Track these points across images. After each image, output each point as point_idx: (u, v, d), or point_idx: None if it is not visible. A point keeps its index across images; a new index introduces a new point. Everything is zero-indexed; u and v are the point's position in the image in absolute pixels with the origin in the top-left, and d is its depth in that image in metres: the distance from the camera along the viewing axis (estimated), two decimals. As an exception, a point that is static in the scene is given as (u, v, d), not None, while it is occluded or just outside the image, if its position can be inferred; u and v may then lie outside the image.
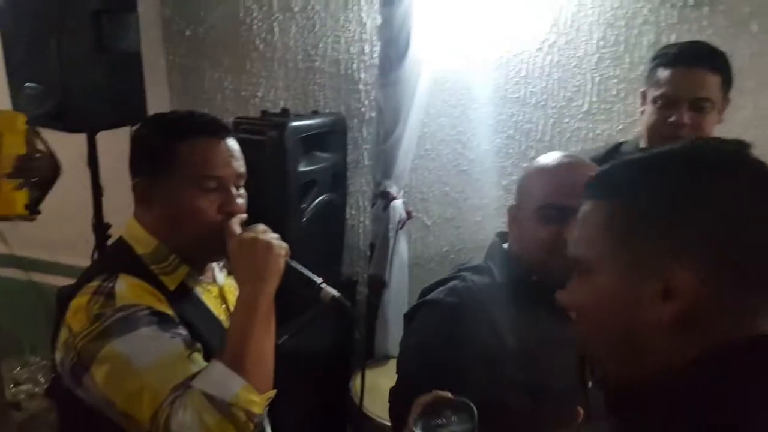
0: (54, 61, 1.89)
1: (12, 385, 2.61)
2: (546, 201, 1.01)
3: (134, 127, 1.11)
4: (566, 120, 2.02)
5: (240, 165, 1.06)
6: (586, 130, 2.00)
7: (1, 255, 2.46)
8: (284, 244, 1.01)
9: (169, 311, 0.97)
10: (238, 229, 1.00)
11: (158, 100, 2.19)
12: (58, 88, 1.91)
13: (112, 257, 1.08)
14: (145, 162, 1.04)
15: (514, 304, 1.03)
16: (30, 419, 2.47)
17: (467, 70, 2.06)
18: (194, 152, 1.02)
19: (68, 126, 1.96)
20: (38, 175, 1.80)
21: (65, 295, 0.97)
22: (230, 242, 0.99)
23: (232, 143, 1.06)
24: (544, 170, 1.06)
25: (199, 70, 2.32)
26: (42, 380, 2.66)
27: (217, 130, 1.05)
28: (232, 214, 1.03)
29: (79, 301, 0.94)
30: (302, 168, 1.88)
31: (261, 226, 1.02)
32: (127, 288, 0.95)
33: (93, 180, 2.16)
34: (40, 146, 1.81)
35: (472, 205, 2.14)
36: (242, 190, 1.08)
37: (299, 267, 1.04)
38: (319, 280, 1.04)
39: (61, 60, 1.89)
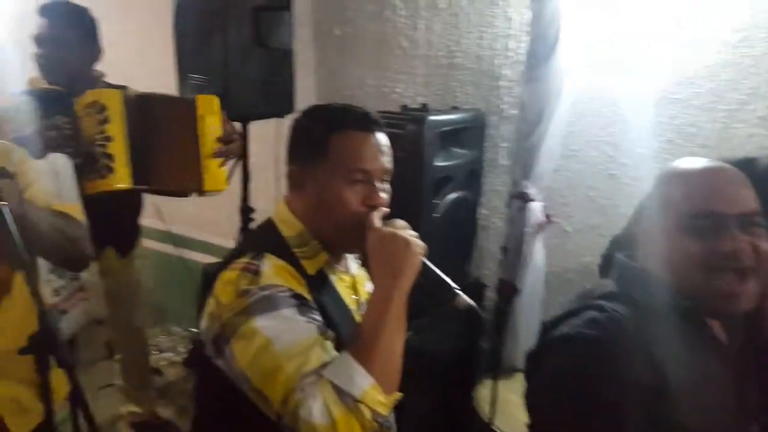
0: (218, 53, 2.05)
1: (155, 352, 2.87)
2: (698, 209, 0.88)
3: (294, 117, 1.15)
4: (737, 125, 1.79)
5: (387, 160, 1.07)
6: (760, 137, 1.75)
7: (158, 231, 2.72)
8: (422, 243, 0.99)
9: (307, 295, 0.99)
10: (378, 223, 1.00)
11: (305, 95, 2.30)
12: (220, 79, 2.07)
13: (260, 236, 1.12)
14: (300, 150, 1.08)
15: (666, 336, 0.89)
16: (169, 385, 2.69)
17: (622, 67, 1.90)
18: (345, 144, 1.04)
19: (228, 115, 2.11)
20: (233, 153, 1.94)
21: (212, 271, 1.03)
22: (370, 235, 0.99)
23: (383, 138, 1.08)
24: (691, 174, 0.93)
25: (343, 68, 2.40)
26: (182, 350, 2.89)
27: (369, 124, 1.07)
28: (374, 207, 1.03)
29: (229, 275, 0.98)
30: (438, 163, 1.85)
31: (401, 222, 1.02)
32: (272, 268, 0.98)
33: (243, 167, 2.31)
34: (230, 127, 1.94)
35: (621, 213, 1.93)
36: (387, 186, 1.08)
37: (435, 269, 1.01)
38: (454, 285, 1.00)
39: (224, 53, 2.04)
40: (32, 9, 1.93)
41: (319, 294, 1.03)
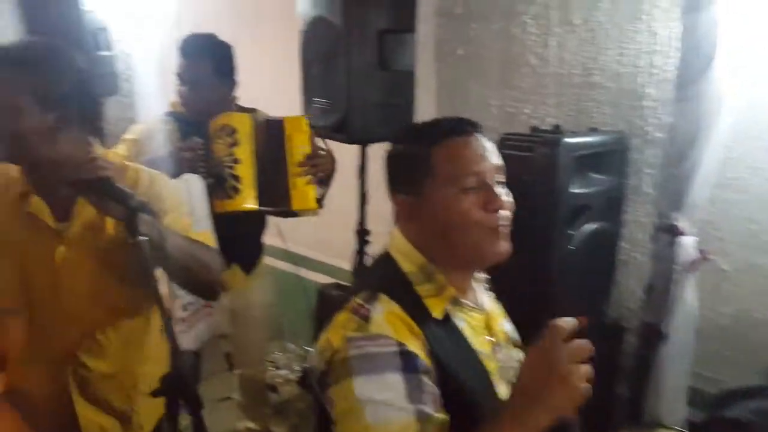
0: (342, 77, 2.06)
1: (271, 368, 2.92)
2: None
3: (387, 148, 1.10)
4: None
5: (495, 157, 1.00)
6: None
7: (277, 249, 2.77)
8: (585, 389, 0.82)
9: (421, 349, 0.90)
10: (560, 336, 0.82)
11: (425, 117, 2.24)
12: (343, 102, 2.08)
13: (378, 273, 1.06)
14: (404, 176, 1.03)
15: None
16: (284, 403, 2.72)
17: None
18: (447, 153, 0.98)
19: (349, 138, 2.12)
20: (323, 170, 1.96)
21: (328, 294, 1.00)
22: (546, 342, 0.83)
23: (483, 139, 1.02)
24: None
25: (466, 88, 2.31)
26: (297, 368, 2.92)
27: (466, 127, 1.01)
28: (498, 210, 0.97)
29: (342, 316, 0.94)
30: (574, 190, 1.70)
31: (579, 344, 0.82)
32: (383, 315, 0.91)
33: (360, 189, 2.30)
34: (320, 144, 1.96)
35: (794, 253, 1.69)
36: (504, 188, 1.00)
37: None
38: None
39: (347, 76, 2.05)
40: (175, 40, 2.05)
41: (439, 341, 0.94)
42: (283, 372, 2.91)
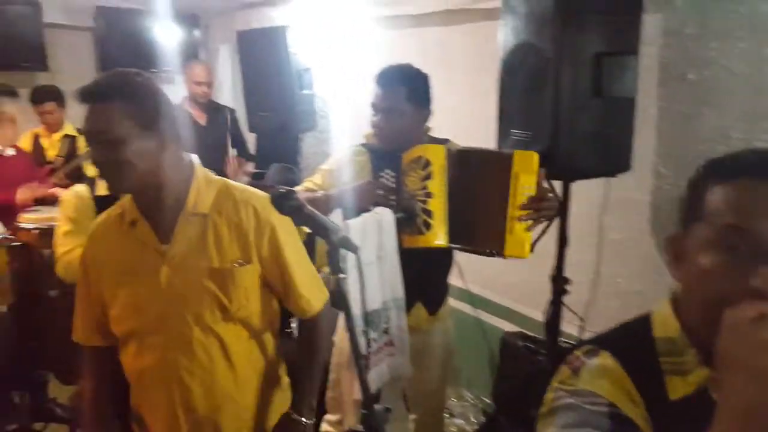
0: (547, 106, 1.88)
1: (446, 415, 2.75)
2: None
3: None
4: None
5: None
6: None
7: (458, 288, 2.64)
8: None
9: (642, 420, 0.75)
10: (748, 318, 0.60)
11: (642, 151, 1.95)
12: (546, 134, 1.89)
13: (623, 330, 0.88)
14: (681, 211, 0.82)
15: None
16: (458, 457, 2.53)
17: None
18: (723, 196, 0.74)
19: (551, 173, 1.91)
20: (546, 217, 1.76)
21: (512, 346, 0.89)
22: (724, 334, 0.62)
23: None
24: None
25: (697, 118, 1.97)
26: (473, 420, 2.70)
27: None
28: (757, 291, 0.66)
29: (560, 368, 0.83)
30: None
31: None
32: (598, 370, 0.79)
33: (560, 231, 2.06)
34: (547, 186, 1.77)
35: None
36: None
37: None
38: None
39: (555, 105, 1.86)
40: (372, 72, 2.04)
41: (675, 424, 0.75)
42: (458, 421, 2.72)
